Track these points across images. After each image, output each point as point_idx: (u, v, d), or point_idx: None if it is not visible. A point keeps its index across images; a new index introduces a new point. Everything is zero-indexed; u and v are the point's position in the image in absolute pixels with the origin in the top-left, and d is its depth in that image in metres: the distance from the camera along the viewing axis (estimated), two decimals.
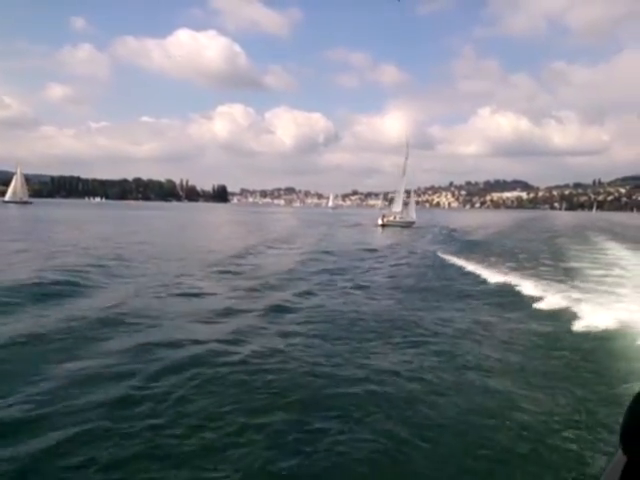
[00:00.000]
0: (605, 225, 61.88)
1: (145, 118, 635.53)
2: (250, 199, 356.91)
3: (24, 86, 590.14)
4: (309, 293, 13.50)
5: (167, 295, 12.64)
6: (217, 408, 5.81)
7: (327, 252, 24.30)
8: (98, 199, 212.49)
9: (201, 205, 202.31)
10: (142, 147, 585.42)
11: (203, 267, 17.83)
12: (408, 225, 50.64)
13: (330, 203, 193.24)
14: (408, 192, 55.63)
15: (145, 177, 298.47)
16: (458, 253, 23.96)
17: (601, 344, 8.64)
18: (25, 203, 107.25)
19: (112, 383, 6.45)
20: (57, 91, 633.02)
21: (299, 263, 19.91)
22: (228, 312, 10.82)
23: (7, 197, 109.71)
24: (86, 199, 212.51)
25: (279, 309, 11.40)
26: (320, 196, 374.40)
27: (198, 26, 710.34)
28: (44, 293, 12.14)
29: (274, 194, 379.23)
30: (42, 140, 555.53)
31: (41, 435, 5.04)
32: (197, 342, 8.42)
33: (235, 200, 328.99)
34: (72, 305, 11.13)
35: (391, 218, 51.46)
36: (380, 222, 49.76)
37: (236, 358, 7.68)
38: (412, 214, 53.54)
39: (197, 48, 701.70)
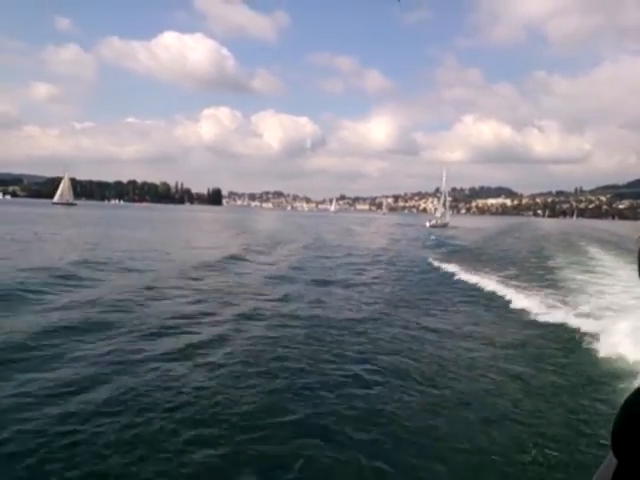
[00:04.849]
0: (581, 229, 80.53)
1: (130, 119, 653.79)
2: (239, 202, 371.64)
3: (7, 84, 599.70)
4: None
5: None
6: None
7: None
8: (116, 201, 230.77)
9: (207, 207, 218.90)
10: (127, 148, 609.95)
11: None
12: (445, 225, 74.31)
13: (332, 208, 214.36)
14: (443, 203, 77.41)
15: (129, 179, 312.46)
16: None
17: (591, 348, 8.99)
18: (71, 205, 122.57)
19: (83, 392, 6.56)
20: (41, 90, 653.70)
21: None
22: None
23: (55, 199, 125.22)
24: (106, 201, 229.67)
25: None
26: (308, 200, 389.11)
27: (184, 29, 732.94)
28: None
29: (262, 197, 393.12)
30: (25, 140, 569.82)
31: None
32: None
33: (224, 203, 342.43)
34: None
35: (433, 222, 76.01)
36: (428, 225, 73.57)
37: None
38: (447, 218, 74.70)
39: (183, 51, 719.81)
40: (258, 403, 6.50)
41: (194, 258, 22.14)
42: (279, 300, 13.69)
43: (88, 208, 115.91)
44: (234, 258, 23.17)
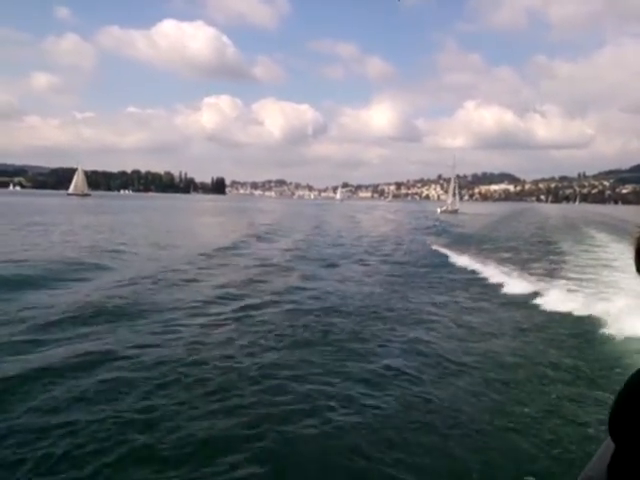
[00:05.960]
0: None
1: (131, 109, 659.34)
2: (241, 191, 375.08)
3: (8, 75, 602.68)
4: None
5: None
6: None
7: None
8: (125, 191, 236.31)
9: (214, 197, 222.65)
10: (128, 138, 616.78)
11: None
12: (455, 211, 79.75)
13: (338, 196, 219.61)
14: (453, 190, 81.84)
15: (132, 168, 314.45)
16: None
17: (590, 332, 9.21)
18: (85, 195, 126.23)
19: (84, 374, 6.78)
20: (42, 80, 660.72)
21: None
22: None
23: (70, 190, 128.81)
24: (115, 192, 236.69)
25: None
26: (311, 188, 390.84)
27: (184, 17, 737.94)
28: None
29: (265, 186, 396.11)
30: (26, 130, 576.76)
31: None
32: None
33: (227, 192, 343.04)
34: None
35: (444, 208, 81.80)
36: (439, 211, 79.15)
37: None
38: (457, 205, 79.48)
39: (183, 38, 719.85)
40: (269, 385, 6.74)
41: (252, 232, 31.53)
42: (306, 278, 15.51)
43: (106, 199, 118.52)
44: (273, 234, 31.88)
